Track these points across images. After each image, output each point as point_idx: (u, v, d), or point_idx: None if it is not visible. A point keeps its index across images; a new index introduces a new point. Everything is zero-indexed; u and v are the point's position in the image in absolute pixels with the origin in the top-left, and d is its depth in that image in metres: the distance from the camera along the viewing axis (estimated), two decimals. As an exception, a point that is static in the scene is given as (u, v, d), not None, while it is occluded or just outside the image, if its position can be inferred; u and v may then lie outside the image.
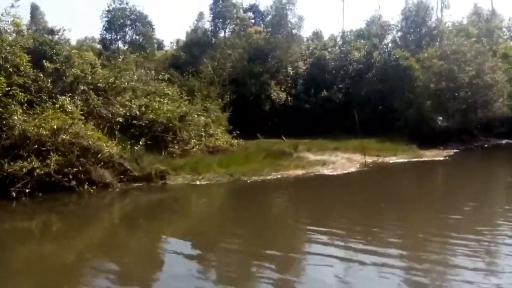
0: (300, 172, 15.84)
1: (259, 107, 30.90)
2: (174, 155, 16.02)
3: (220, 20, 30.76)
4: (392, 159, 20.58)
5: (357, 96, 32.12)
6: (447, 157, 21.94)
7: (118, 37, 28.91)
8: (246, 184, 14.14)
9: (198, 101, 21.46)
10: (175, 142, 16.24)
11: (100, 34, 30.33)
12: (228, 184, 14.12)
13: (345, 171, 16.58)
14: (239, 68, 32.17)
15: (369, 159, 20.18)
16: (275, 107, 32.03)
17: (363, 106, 31.60)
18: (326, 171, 16.51)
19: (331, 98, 32.05)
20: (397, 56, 30.02)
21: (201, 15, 31.17)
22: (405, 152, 22.22)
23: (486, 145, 30.47)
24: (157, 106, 16.24)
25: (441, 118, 27.05)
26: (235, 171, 14.63)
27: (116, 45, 28.78)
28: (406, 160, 20.41)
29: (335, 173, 16.30)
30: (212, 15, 30.63)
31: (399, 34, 33.87)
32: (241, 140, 21.44)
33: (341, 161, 18.36)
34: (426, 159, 20.76)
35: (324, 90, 32.12)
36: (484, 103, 30.15)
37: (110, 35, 28.99)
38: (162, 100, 17.03)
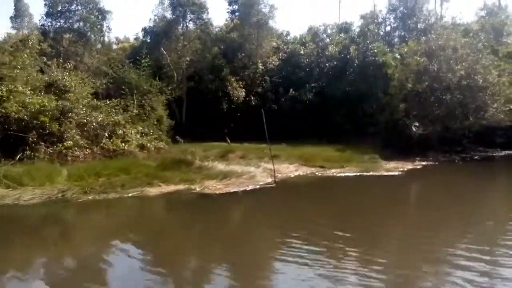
0: (178, 187, 12.42)
1: (217, 106, 27.64)
2: (41, 158, 12.90)
3: (180, 8, 27.66)
4: (335, 172, 16.84)
5: (332, 97, 28.37)
6: (403, 172, 17.92)
7: (62, 24, 26.06)
8: (68, 206, 10.60)
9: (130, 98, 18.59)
10: (42, 143, 13.12)
11: (39, 20, 27.48)
12: (40, 206, 10.43)
13: (241, 189, 12.95)
14: (199, 62, 29.00)
15: (308, 171, 16.62)
16: (239, 107, 28.67)
17: (337, 108, 27.88)
18: (213, 187, 12.87)
19: (301, 99, 28.39)
20: (375, 51, 26.07)
21: (161, 2, 28.23)
22: (360, 164, 18.43)
23: (476, 157, 26.13)
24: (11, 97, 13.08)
25: (417, 124, 22.97)
26: (79, 185, 11.30)
27: (60, 33, 25.97)
28: (351, 174, 16.60)
29: (218, 192, 12.45)
30: (171, 2, 27.60)
31: (387, 28, 29.88)
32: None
33: (258, 172, 14.81)
34: (377, 173, 16.87)
35: (292, 89, 28.49)
36: (477, 109, 25.84)
37: (52, 22, 26.24)
38: (25, 89, 13.84)
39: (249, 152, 18.62)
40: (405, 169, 18.58)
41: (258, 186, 13.46)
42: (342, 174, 16.48)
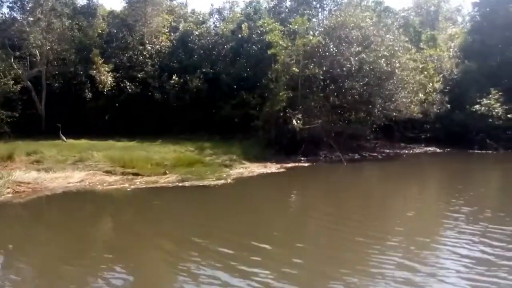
0: None
1: (80, 94, 22.99)
2: None
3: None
4: (142, 182, 12.62)
5: (223, 85, 24.21)
6: (252, 177, 14.09)
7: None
8: None
9: None
10: None
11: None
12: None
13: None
14: (64, 41, 24.15)
15: (111, 179, 12.42)
16: (111, 96, 24.07)
17: (229, 98, 23.73)
18: None
19: (188, 87, 24.05)
20: (265, 30, 21.98)
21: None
22: (205, 168, 14.35)
23: (381, 155, 22.68)
24: None
25: (299, 117, 19.12)
26: None
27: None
28: (158, 185, 12.40)
29: None
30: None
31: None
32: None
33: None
34: (201, 182, 12.75)
35: (175, 75, 24.06)
36: (383, 99, 22.29)
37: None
38: None
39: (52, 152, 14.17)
40: (255, 174, 14.69)
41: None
42: (140, 186, 12.19)
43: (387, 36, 22.49)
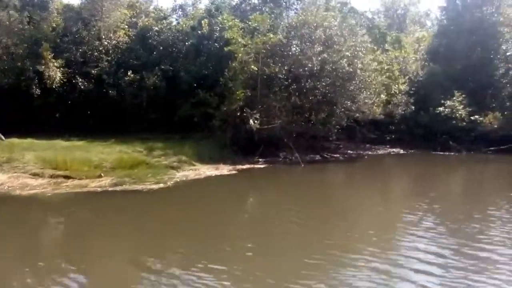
0: None
1: (28, 90, 21.57)
2: None
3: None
4: (74, 186, 11.61)
5: (183, 83, 23.23)
6: (171, 185, 12.96)
7: None
8: None
9: None
10: None
11: None
12: None
13: None
14: (13, 35, 22.69)
15: (42, 181, 11.28)
16: (62, 92, 22.73)
17: (188, 96, 22.76)
18: None
19: (145, 84, 22.93)
20: (225, 27, 21.16)
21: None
22: (148, 171, 13.38)
23: (344, 157, 22.21)
24: None
25: (257, 116, 18.40)
26: None
27: None
28: (99, 189, 11.42)
29: None
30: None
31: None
32: None
33: None
34: (139, 186, 11.80)
35: (130, 72, 22.92)
36: (344, 99, 21.81)
37: None
38: None
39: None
40: (202, 177, 13.84)
41: None
42: (65, 191, 11.14)
43: (350, 36, 22.07)
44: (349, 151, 24.00)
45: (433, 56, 31.90)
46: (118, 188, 11.37)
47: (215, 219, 9.31)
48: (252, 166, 17.21)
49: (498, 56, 30.38)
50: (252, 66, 19.19)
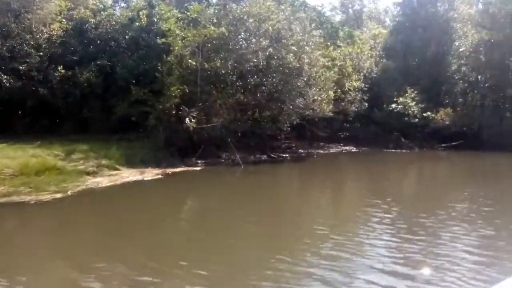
0: None
1: None
2: None
3: None
4: None
5: (119, 80, 21.56)
6: (73, 194, 11.29)
7: None
8: None
9: None
10: None
11: None
12: None
13: None
14: None
15: None
16: None
17: (124, 94, 21.12)
18: None
19: (78, 81, 21.15)
20: (162, 18, 19.72)
21: None
22: (54, 178, 11.81)
23: (293, 156, 21.29)
24: None
25: (194, 115, 17.12)
26: None
27: None
28: None
29: None
30: None
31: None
32: None
33: None
34: (28, 197, 10.27)
35: (60, 67, 21.08)
36: (292, 96, 20.86)
37: None
38: None
39: None
40: (118, 183, 12.39)
41: None
42: None
43: (298, 30, 21.14)
44: (300, 150, 23.13)
45: (389, 52, 31.65)
46: (3, 200, 9.78)
47: (97, 241, 7.45)
48: (187, 168, 15.91)
49: (452, 52, 30.42)
50: (190, 60, 17.85)
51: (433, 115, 26.00)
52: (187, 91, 17.73)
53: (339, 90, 26.68)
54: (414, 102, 26.06)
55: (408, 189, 14.27)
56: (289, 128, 22.09)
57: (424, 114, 25.90)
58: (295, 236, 8.05)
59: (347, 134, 27.57)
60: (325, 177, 16.52)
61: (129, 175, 13.57)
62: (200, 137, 17.79)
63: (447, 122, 25.97)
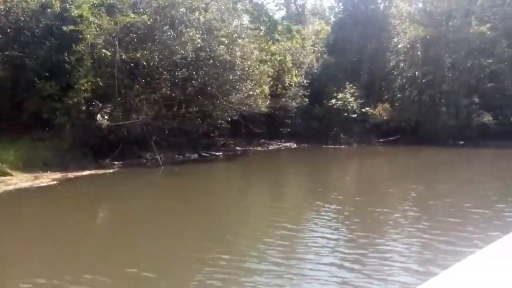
0: None
1: None
2: None
3: None
4: None
5: (28, 72, 19.21)
6: None
7: None
8: None
9: None
10: None
11: None
12: None
13: None
14: None
15: None
16: None
17: (35, 88, 18.81)
18: None
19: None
20: (75, 4, 17.75)
21: None
22: None
23: (228, 154, 20.09)
24: None
25: (108, 110, 15.42)
26: None
27: None
28: None
29: None
30: None
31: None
32: None
33: None
34: None
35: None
36: (224, 92, 19.67)
37: None
38: None
39: None
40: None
41: None
42: None
43: (230, 21, 19.98)
44: (237, 148, 22.00)
45: (330, 48, 31.37)
46: None
47: None
48: (98, 171, 14.18)
49: (390, 49, 30.65)
50: (104, 50, 16.07)
51: (371, 110, 25.90)
52: (101, 84, 15.92)
53: (280, 86, 25.96)
54: (353, 98, 25.80)
55: (334, 185, 13.53)
56: (228, 125, 20.87)
57: (363, 110, 25.75)
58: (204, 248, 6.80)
59: (289, 130, 26.85)
60: (253, 176, 15.47)
61: (19, 181, 11.68)
62: (118, 135, 16.08)
63: (385, 118, 25.97)
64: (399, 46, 30.13)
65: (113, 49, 16.85)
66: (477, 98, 26.30)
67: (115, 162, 15.62)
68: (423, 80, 28.82)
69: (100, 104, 15.57)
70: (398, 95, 28.94)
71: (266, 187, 13.33)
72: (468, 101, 26.11)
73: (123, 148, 16.36)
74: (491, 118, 25.74)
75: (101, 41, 16.08)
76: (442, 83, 28.16)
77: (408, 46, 29.00)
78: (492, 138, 24.10)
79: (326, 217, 8.44)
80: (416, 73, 29.16)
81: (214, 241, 6.97)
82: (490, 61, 26.57)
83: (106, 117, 15.12)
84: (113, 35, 16.90)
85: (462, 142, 24.68)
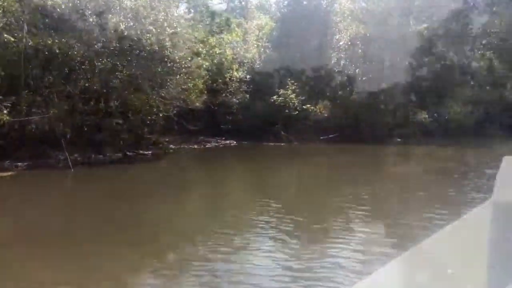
0: None
1: None
2: None
3: None
4: None
5: None
6: None
7: None
8: None
9: None
10: None
11: None
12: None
13: None
14: None
15: None
16: None
17: None
18: None
19: None
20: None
21: None
22: None
23: (158, 153, 18.62)
24: None
25: (8, 104, 13.43)
26: None
27: None
28: None
29: None
30: None
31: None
32: None
33: None
34: None
35: None
36: (159, 84, 18.21)
37: None
38: None
39: None
40: None
41: None
42: None
43: (160, 9, 18.46)
44: (171, 146, 20.56)
45: (274, 43, 30.69)
46: None
47: None
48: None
49: (332, 46, 30.50)
50: (6, 35, 13.99)
51: (312, 107, 25.52)
52: (3, 73, 13.86)
53: (220, 80, 24.86)
54: (294, 94, 25.26)
55: (262, 187, 12.68)
56: (162, 122, 19.33)
57: (304, 107, 25.28)
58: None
59: (230, 127, 25.81)
60: (177, 177, 14.23)
61: None
62: (23, 133, 14.11)
63: (326, 115, 25.72)
64: (341, 43, 30.04)
65: (20, 35, 14.81)
66: (414, 97, 26.81)
67: (19, 164, 13.66)
68: (364, 78, 28.94)
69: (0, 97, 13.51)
70: (339, 92, 28.86)
71: (181, 192, 12.12)
72: (405, 99, 26.54)
73: (30, 147, 14.42)
74: (426, 116, 26.42)
75: (3, 24, 13.96)
76: (381, 81, 28.44)
77: (349, 43, 28.98)
78: (429, 135, 24.66)
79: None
80: (357, 70, 29.24)
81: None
82: (427, 59, 27.20)
83: (5, 111, 13.12)
84: (21, 18, 14.85)
85: (399, 140, 25.00)
